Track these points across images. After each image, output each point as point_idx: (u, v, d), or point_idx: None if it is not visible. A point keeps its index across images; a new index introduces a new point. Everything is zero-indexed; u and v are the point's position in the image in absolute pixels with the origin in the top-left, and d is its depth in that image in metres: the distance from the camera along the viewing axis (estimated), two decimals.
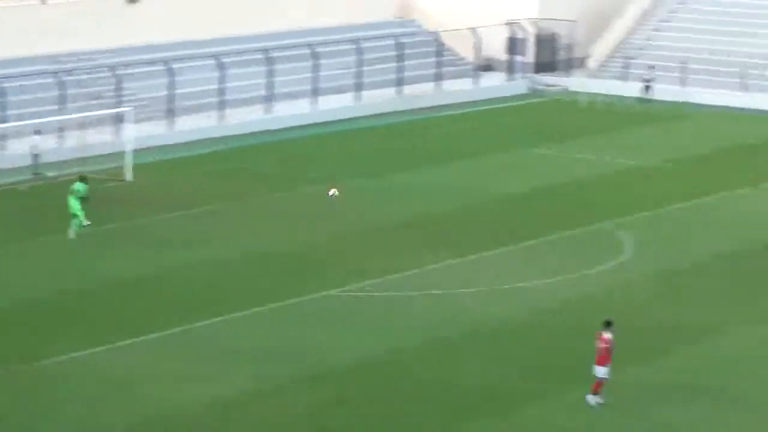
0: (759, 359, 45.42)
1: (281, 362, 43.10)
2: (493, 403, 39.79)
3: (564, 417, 38.34)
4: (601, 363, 36.73)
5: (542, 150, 79.77)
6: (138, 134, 72.03)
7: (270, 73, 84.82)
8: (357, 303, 50.91)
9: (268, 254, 55.88)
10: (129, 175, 67.51)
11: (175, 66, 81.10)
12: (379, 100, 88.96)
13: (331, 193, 46.13)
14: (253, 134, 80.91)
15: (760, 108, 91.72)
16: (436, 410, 39.58)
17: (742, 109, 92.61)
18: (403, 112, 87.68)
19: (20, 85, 78.62)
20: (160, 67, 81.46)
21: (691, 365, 44.61)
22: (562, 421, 38.08)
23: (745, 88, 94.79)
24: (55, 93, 77.95)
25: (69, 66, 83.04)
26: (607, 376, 38.13)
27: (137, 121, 73.14)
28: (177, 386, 39.11)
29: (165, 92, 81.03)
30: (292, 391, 39.92)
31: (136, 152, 69.54)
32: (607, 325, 37.18)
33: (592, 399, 38.46)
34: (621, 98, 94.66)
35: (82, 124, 74.09)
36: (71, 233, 55.20)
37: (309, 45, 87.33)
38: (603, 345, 36.73)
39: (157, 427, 35.66)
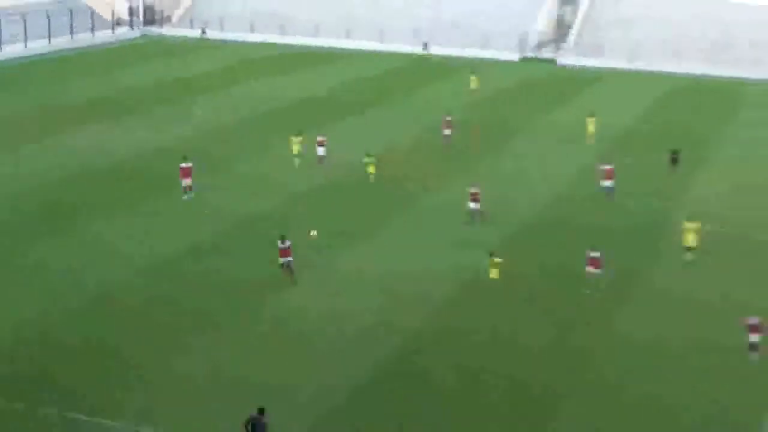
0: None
1: None
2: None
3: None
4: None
5: (148, 65, 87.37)
6: None
7: None
8: None
9: None
10: None
11: None
12: (61, 43, 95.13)
13: (312, 233, 39.20)
14: None
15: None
16: None
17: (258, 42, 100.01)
18: (74, 50, 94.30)
19: None
20: None
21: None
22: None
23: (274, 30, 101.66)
24: None
25: None
26: None
27: None
28: None
29: None
30: None
31: None
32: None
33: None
34: (190, 38, 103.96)
35: None
36: None
37: (21, 13, 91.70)
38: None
39: None
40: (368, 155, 52.56)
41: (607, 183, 50.40)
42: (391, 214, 47.26)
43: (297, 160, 54.71)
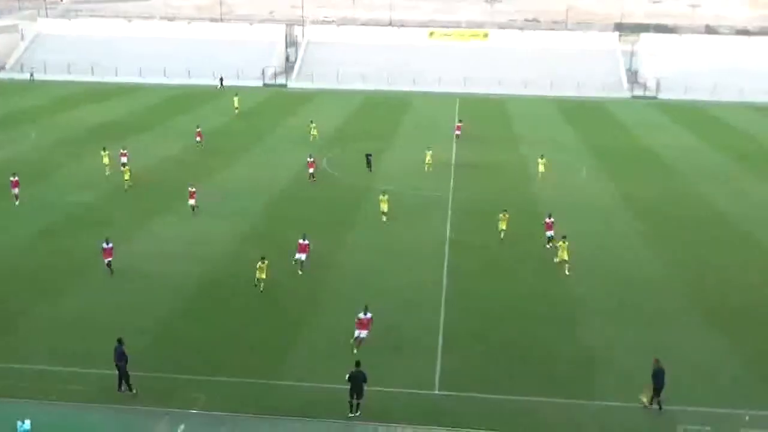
0: None
1: None
2: None
3: None
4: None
5: None
6: None
7: None
8: None
9: None
10: None
11: None
12: None
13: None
14: None
15: None
16: None
17: None
18: None
19: None
20: None
21: None
22: None
23: None
24: None
25: None
26: None
27: None
28: None
29: None
30: None
31: None
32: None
33: None
34: (22, 81, 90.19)
35: None
36: None
37: None
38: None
39: None
40: (123, 165, 47.60)
41: (311, 170, 48.20)
42: (173, 199, 43.45)
43: (106, 169, 49.39)
